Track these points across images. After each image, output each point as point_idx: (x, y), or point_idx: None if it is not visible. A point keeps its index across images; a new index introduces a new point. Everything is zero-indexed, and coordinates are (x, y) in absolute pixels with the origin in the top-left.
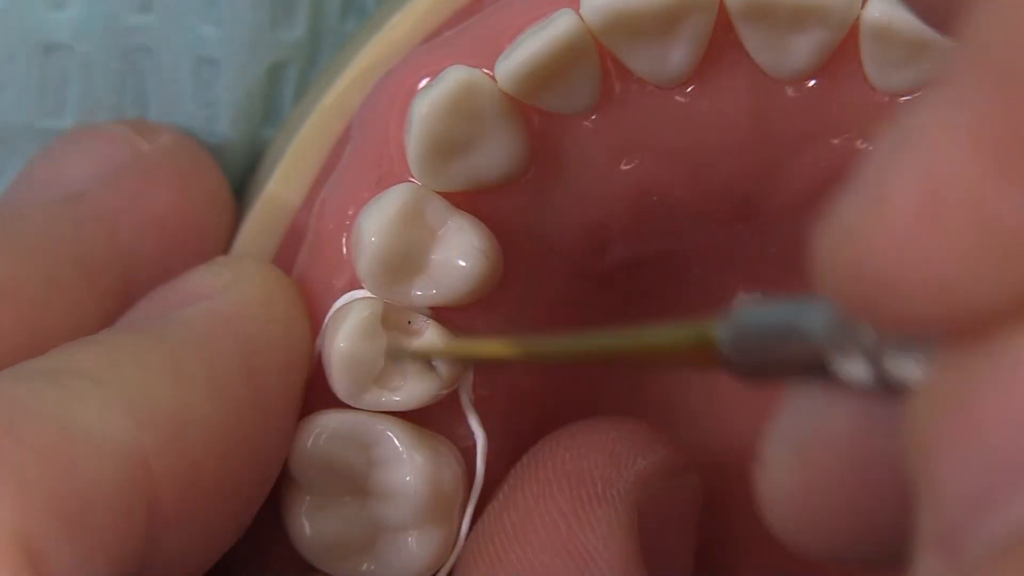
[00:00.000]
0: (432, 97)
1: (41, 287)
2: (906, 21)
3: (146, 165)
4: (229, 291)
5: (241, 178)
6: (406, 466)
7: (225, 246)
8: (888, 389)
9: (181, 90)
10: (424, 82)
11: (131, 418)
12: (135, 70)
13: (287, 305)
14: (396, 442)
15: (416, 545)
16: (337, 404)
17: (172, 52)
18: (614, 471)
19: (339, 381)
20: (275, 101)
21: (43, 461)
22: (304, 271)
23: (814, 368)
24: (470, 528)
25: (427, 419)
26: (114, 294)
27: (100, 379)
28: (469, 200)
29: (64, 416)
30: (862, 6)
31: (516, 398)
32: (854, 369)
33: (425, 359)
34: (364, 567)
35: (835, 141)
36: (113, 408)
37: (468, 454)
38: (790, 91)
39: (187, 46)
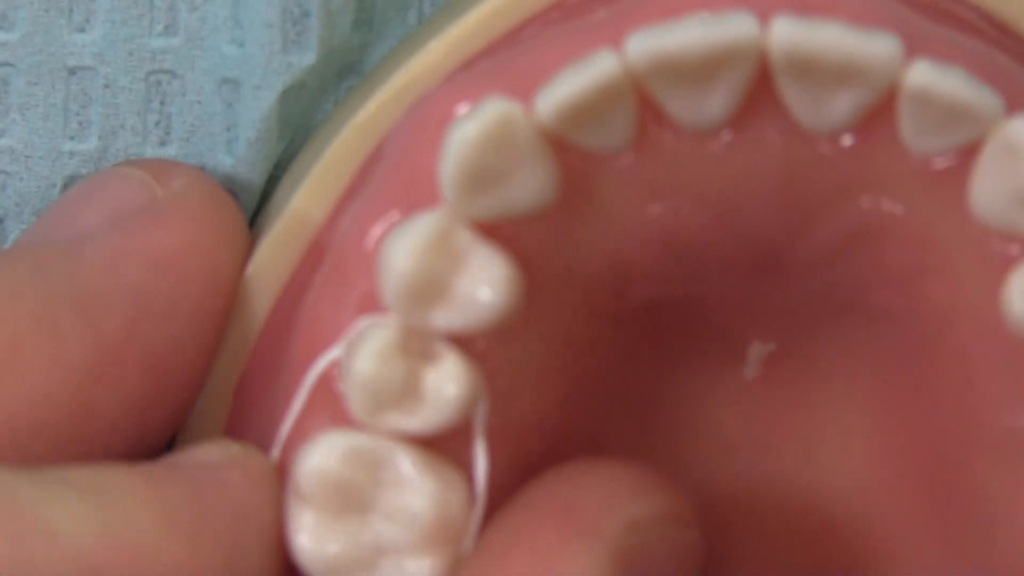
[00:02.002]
0: (470, 127)
1: (27, 323)
2: (947, 86)
3: (156, 208)
4: (234, 464)
5: (259, 198)
6: (415, 491)
7: (236, 282)
8: None
9: (205, 111)
10: (462, 109)
11: (100, 533)
12: (159, 92)
13: (281, 500)
14: (406, 465)
15: (419, 569)
16: (349, 422)
17: (196, 73)
18: (607, 511)
19: (356, 402)
20: (289, 123)
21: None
22: (323, 286)
23: None
24: None
25: (438, 444)
26: (116, 333)
27: (86, 493)
28: (496, 231)
29: (34, 512)
30: (904, 68)
31: (527, 429)
32: None
33: None
34: None
35: (864, 200)
36: (86, 520)
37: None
38: (824, 147)
39: (211, 67)
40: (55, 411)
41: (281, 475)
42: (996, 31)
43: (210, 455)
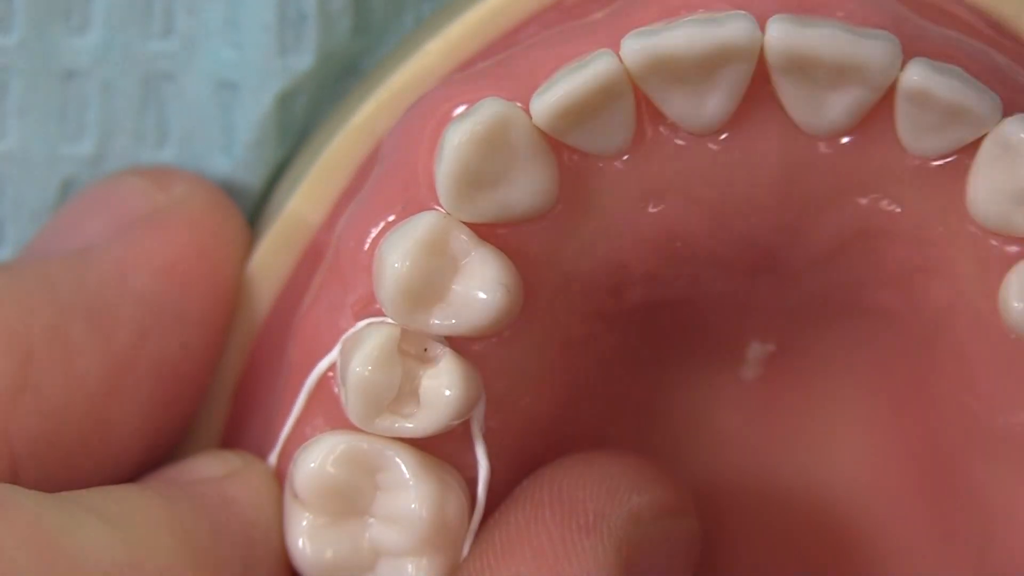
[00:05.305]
0: (466, 128)
1: (40, 337)
2: (945, 86)
3: (159, 215)
4: (238, 477)
5: (257, 202)
6: (412, 493)
7: (239, 285)
8: None
9: (201, 115)
10: (458, 111)
11: (123, 558)
12: (155, 95)
13: (281, 508)
14: (404, 468)
15: (416, 571)
16: (347, 425)
17: (193, 76)
18: (608, 504)
19: (353, 405)
20: (287, 127)
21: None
22: (321, 289)
23: None
24: None
25: (435, 446)
26: (127, 343)
27: (108, 518)
28: (494, 232)
29: (61, 538)
30: (901, 68)
31: (526, 431)
32: None
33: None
34: None
35: (862, 200)
36: (110, 545)
37: (474, 484)
38: (822, 147)
39: (208, 70)
40: (71, 424)
41: (280, 480)
42: (992, 30)
43: (212, 468)
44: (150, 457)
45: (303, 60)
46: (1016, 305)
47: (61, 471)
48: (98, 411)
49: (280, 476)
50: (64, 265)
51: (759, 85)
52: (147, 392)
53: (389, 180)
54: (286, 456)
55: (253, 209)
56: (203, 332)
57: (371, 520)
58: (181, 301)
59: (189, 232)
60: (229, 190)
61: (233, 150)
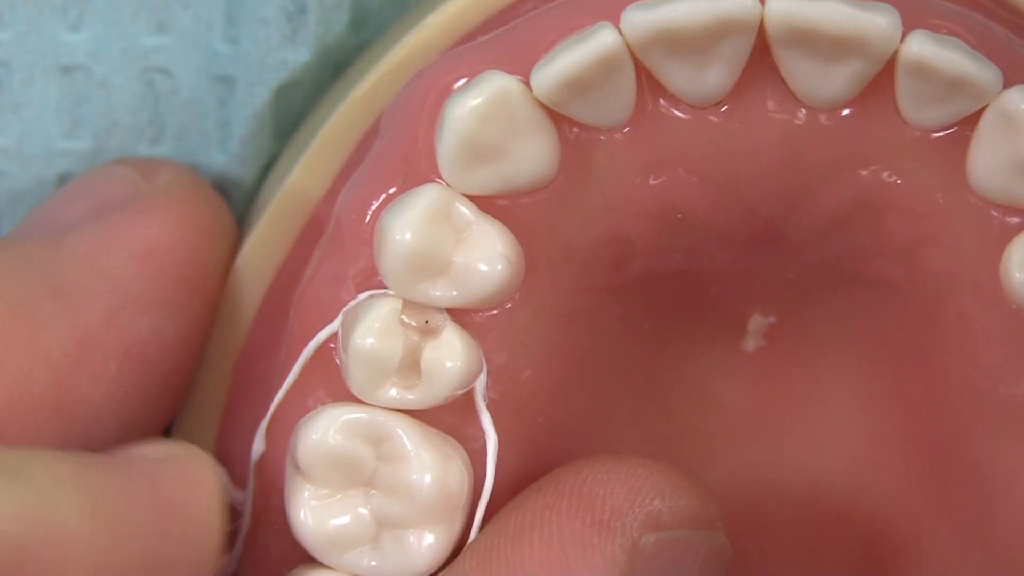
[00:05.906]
0: (467, 100)
1: (6, 311)
2: (945, 58)
3: (139, 202)
4: (172, 461)
5: (252, 196)
6: (414, 464)
7: (221, 276)
8: None
9: (197, 110)
10: (459, 83)
11: (23, 515)
12: (152, 90)
13: (219, 502)
14: (405, 440)
15: (418, 542)
16: (348, 397)
17: (189, 72)
18: (627, 504)
19: (355, 376)
20: (283, 122)
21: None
22: (322, 262)
23: None
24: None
25: (436, 418)
26: (95, 321)
27: (12, 475)
28: (495, 204)
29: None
30: (901, 40)
31: (527, 403)
32: None
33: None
34: (364, 561)
35: (863, 172)
36: (9, 501)
37: (475, 456)
38: (823, 119)
39: (204, 65)
40: (32, 395)
41: (263, 472)
42: (992, 2)
43: (151, 451)
44: (124, 438)
45: (300, 54)
46: (1017, 276)
47: (25, 441)
48: (62, 384)
49: (274, 444)
50: (39, 244)
51: (759, 57)
52: (115, 371)
53: (390, 153)
54: (278, 424)
55: (248, 203)
56: (177, 318)
57: (372, 492)
58: (155, 286)
59: (167, 219)
60: (225, 184)
61: (229, 145)
